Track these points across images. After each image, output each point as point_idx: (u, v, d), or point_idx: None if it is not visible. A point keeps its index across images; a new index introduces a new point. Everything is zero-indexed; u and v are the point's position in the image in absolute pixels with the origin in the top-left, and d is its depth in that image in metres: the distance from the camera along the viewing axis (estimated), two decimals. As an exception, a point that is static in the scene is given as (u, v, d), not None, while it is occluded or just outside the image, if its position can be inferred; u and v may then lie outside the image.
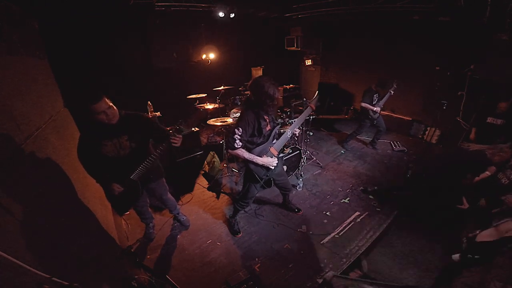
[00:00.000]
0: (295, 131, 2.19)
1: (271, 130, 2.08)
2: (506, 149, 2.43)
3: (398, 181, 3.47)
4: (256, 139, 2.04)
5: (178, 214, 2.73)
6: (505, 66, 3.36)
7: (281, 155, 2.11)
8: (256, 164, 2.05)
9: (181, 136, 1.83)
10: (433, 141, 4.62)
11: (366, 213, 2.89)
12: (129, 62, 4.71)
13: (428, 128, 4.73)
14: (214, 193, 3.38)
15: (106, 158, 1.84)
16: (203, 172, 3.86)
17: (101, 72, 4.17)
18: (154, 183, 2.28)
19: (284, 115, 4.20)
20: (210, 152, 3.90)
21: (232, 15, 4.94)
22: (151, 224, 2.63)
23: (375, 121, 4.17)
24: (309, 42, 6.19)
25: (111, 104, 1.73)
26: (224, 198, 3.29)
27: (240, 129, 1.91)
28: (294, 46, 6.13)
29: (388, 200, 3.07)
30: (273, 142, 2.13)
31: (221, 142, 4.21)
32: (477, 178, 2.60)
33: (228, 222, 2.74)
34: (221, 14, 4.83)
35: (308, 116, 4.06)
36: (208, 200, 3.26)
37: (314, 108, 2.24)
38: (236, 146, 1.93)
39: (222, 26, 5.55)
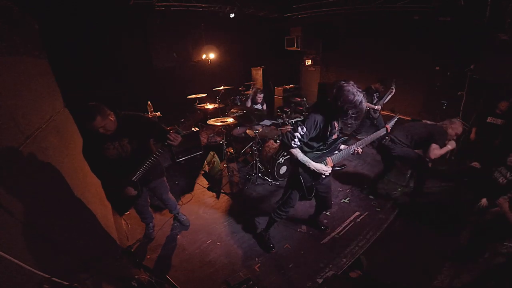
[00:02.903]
0: (358, 149, 1.93)
1: (335, 140, 1.90)
2: None
3: (398, 181, 3.48)
4: (316, 144, 1.86)
5: (178, 214, 2.73)
6: (505, 66, 3.36)
7: (336, 168, 1.94)
8: (306, 169, 1.85)
9: (180, 136, 1.81)
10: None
11: (366, 213, 2.89)
12: (129, 62, 4.71)
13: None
14: (214, 193, 3.38)
15: (109, 160, 1.88)
16: (203, 172, 3.86)
17: (101, 72, 4.17)
18: (155, 183, 2.29)
19: (284, 115, 4.21)
20: (210, 152, 3.90)
21: (232, 15, 4.96)
22: (151, 224, 2.64)
23: (375, 121, 4.17)
24: (309, 42, 6.19)
25: (108, 114, 1.72)
26: (224, 198, 3.29)
27: (305, 128, 1.72)
28: (294, 46, 6.13)
29: (388, 200, 3.07)
30: (334, 153, 1.94)
31: (221, 142, 4.21)
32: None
33: (258, 237, 2.55)
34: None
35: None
36: (208, 200, 3.26)
37: (389, 129, 2.05)
38: (293, 144, 1.74)
39: (222, 26, 5.56)
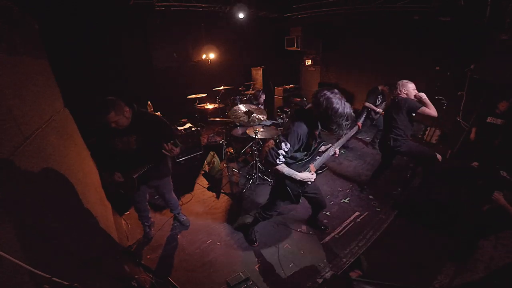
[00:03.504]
0: (337, 151, 1.98)
1: (316, 147, 1.87)
2: None
3: (398, 181, 3.48)
4: (299, 155, 1.83)
5: (178, 214, 2.74)
6: (505, 66, 3.36)
7: (319, 171, 1.93)
8: (293, 180, 1.85)
9: (177, 149, 1.89)
10: (433, 141, 4.63)
11: (366, 213, 2.89)
12: (129, 62, 4.71)
13: (428, 128, 4.74)
14: (214, 193, 3.38)
15: (115, 152, 1.94)
16: (203, 172, 3.86)
17: (101, 72, 4.17)
18: (159, 181, 2.32)
19: (284, 115, 4.21)
20: (210, 152, 3.91)
21: (242, 16, 4.97)
22: (146, 223, 2.61)
23: (374, 121, 4.18)
24: (309, 42, 6.20)
25: (124, 111, 1.78)
26: (224, 198, 3.29)
27: (288, 144, 1.66)
28: (294, 46, 6.13)
29: (388, 200, 3.07)
30: (316, 158, 1.95)
31: (221, 142, 4.21)
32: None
33: (244, 230, 2.63)
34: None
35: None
36: (208, 200, 3.26)
37: (360, 127, 2.06)
38: (278, 162, 1.71)
39: (222, 26, 5.56)
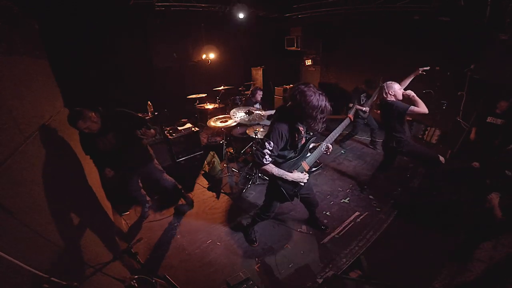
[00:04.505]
0: (329, 145, 1.93)
1: (305, 144, 1.84)
2: None
3: (398, 181, 3.47)
4: (287, 153, 1.80)
5: (183, 197, 2.94)
6: (505, 66, 3.35)
7: (312, 169, 1.87)
8: (285, 180, 1.82)
9: (150, 130, 2.20)
10: (433, 141, 4.62)
11: (366, 213, 2.89)
12: (130, 62, 4.71)
13: (428, 128, 4.73)
14: (214, 193, 3.39)
15: (100, 152, 2.15)
16: (203, 172, 3.86)
17: (101, 72, 4.17)
18: (148, 167, 2.48)
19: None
20: (210, 152, 3.91)
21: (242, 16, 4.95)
22: (147, 205, 2.89)
23: (365, 120, 4.19)
24: (309, 42, 6.20)
25: (89, 118, 1.93)
26: (224, 198, 3.29)
27: (272, 142, 1.65)
28: (294, 46, 6.14)
29: (388, 200, 3.07)
30: (307, 156, 1.92)
31: (221, 142, 4.21)
32: None
33: (244, 230, 2.63)
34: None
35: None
36: (208, 200, 3.26)
37: (352, 119, 2.01)
38: (264, 161, 1.69)
39: (222, 26, 5.56)
